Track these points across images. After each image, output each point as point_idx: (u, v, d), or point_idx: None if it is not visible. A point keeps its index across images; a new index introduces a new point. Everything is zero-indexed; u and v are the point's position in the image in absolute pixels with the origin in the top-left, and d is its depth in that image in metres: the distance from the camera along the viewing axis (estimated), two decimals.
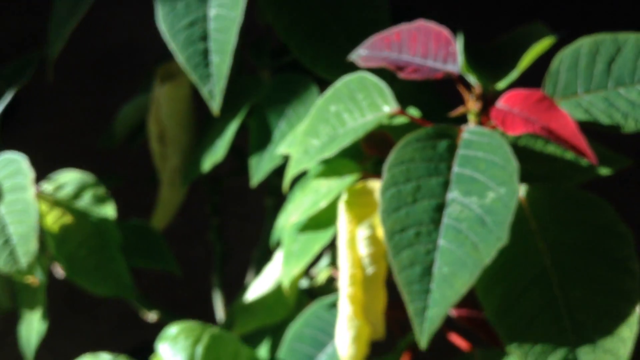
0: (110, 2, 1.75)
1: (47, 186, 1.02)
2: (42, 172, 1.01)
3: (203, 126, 1.12)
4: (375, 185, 0.88)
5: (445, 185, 0.78)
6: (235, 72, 1.05)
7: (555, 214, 0.82)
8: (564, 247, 0.81)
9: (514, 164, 0.77)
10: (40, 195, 1.00)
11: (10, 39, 1.74)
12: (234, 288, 1.22)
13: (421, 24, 0.87)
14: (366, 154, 0.91)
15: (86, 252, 1.01)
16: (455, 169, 0.79)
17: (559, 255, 0.81)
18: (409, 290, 0.76)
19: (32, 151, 1.02)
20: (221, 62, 0.93)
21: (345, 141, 0.85)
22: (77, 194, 1.02)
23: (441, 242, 0.76)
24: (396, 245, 0.76)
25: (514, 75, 0.85)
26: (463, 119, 0.86)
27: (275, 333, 1.03)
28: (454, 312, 0.98)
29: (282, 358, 0.98)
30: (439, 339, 0.92)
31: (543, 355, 0.79)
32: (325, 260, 1.08)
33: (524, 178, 0.82)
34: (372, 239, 0.88)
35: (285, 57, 1.09)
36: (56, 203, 1.01)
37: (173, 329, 0.94)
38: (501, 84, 0.85)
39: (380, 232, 0.88)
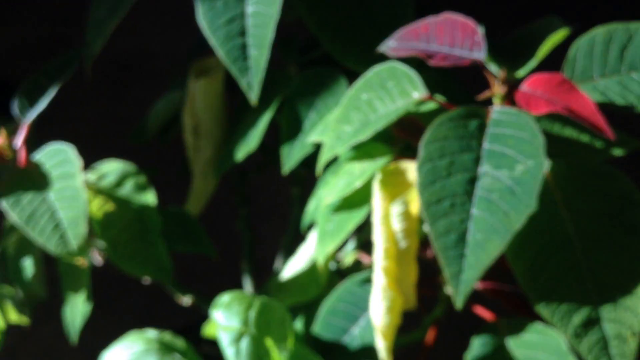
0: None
1: (91, 175, 1.05)
2: None
3: (233, 121, 1.15)
4: (407, 165, 0.92)
5: (477, 161, 0.82)
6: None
7: (577, 185, 0.86)
8: (586, 215, 0.85)
9: (540, 139, 0.81)
10: (84, 184, 1.01)
11: (40, 43, 1.77)
12: (264, 273, 1.26)
13: (448, 16, 0.91)
14: (396, 138, 0.94)
15: (128, 237, 1.04)
16: (486, 145, 0.83)
17: (581, 223, 0.85)
18: (445, 256, 0.80)
19: None
20: (259, 55, 0.96)
21: (378, 125, 0.89)
22: (119, 182, 1.05)
23: (474, 211, 0.81)
24: (433, 215, 0.81)
25: (532, 63, 0.90)
26: (486, 104, 0.90)
27: (308, 310, 1.05)
28: (479, 285, 1.01)
29: (318, 331, 1.01)
30: (463, 314, 0.97)
31: (569, 313, 0.83)
32: (351, 245, 1.11)
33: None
34: (405, 215, 0.92)
35: (313, 53, 1.13)
36: (99, 191, 1.05)
37: (225, 297, 0.96)
38: (521, 72, 0.90)
39: (413, 208, 0.92)
